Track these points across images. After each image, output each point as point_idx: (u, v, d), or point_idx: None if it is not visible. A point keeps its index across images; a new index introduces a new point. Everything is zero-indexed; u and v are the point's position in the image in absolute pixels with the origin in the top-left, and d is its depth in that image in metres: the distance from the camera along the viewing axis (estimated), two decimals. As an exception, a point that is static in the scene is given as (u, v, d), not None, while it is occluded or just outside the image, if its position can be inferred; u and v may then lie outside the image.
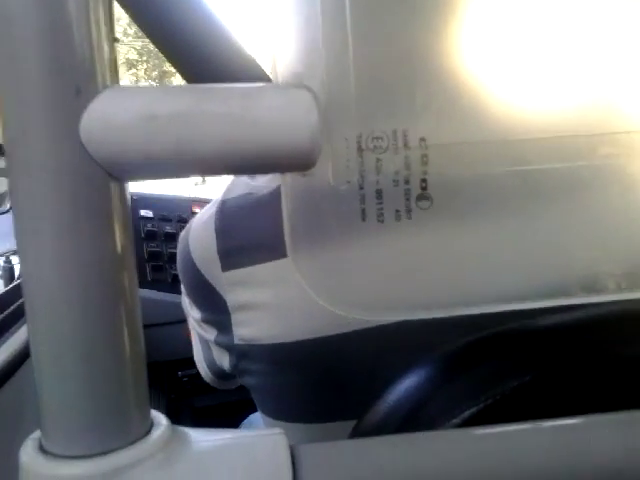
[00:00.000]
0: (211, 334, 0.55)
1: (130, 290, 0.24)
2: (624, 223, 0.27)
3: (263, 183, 0.49)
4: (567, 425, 0.26)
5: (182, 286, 0.59)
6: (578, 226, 0.26)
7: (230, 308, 0.50)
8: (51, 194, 0.22)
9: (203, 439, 0.25)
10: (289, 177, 0.25)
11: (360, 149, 0.24)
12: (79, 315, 0.23)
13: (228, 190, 0.54)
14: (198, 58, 0.66)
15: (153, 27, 0.67)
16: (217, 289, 0.51)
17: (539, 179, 0.25)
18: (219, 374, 0.61)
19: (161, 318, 1.12)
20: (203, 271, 0.52)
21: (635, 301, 0.35)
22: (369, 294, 0.25)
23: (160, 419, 0.25)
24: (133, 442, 0.23)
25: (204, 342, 0.60)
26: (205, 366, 0.62)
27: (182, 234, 0.58)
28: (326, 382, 0.45)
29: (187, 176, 0.23)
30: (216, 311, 0.52)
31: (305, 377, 0.47)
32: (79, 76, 0.22)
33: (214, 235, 0.51)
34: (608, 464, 0.26)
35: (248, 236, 0.49)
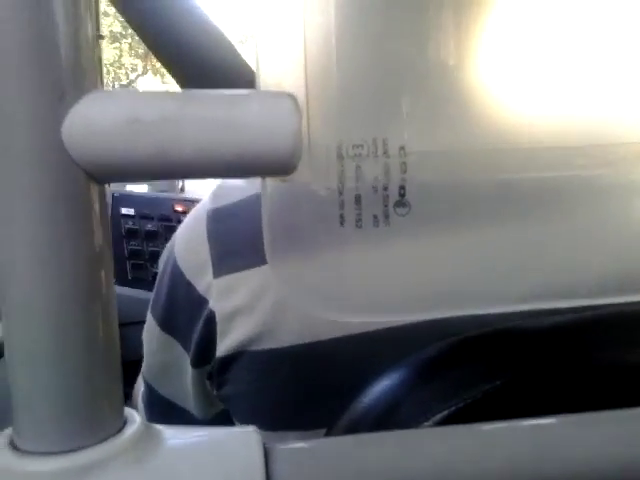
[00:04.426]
0: (175, 352, 0.56)
1: (106, 289, 0.25)
2: (602, 234, 0.28)
3: (254, 189, 0.49)
4: (540, 425, 0.27)
5: (152, 311, 0.59)
6: (559, 235, 0.27)
7: (218, 317, 0.50)
8: (31, 195, 0.22)
9: (176, 436, 0.25)
10: (269, 182, 0.25)
11: (340, 156, 0.25)
12: (54, 314, 0.23)
13: (217, 197, 0.53)
14: (191, 62, 0.66)
15: (145, 27, 0.67)
16: (207, 298, 0.50)
17: (518, 188, 0.26)
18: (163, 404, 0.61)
19: (141, 316, 1.11)
20: (192, 281, 0.51)
21: (610, 307, 0.36)
22: (346, 298, 0.26)
23: (133, 416, 0.25)
24: (105, 439, 0.23)
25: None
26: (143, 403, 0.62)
27: (164, 254, 0.57)
28: (315, 388, 0.46)
29: (167, 179, 0.23)
30: (196, 325, 0.52)
31: (294, 383, 0.47)
32: (63, 80, 0.22)
33: (206, 242, 0.50)
34: (578, 464, 0.27)
35: (240, 241, 0.49)
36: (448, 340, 0.35)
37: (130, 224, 1.20)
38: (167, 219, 1.21)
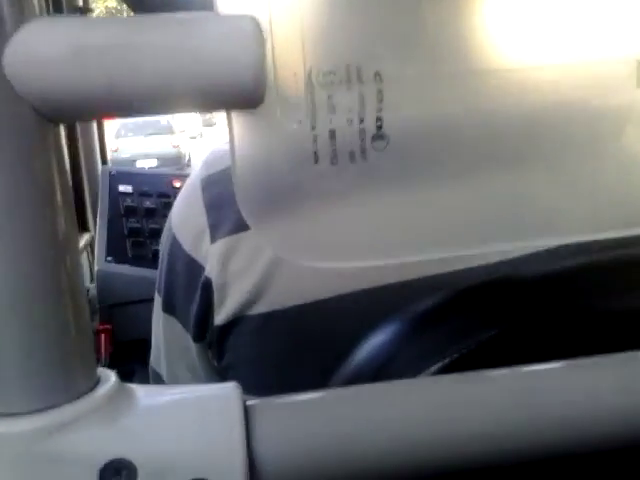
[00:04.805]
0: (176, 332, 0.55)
1: (70, 240, 0.23)
2: (596, 163, 0.26)
3: None
4: (540, 370, 0.25)
5: (157, 292, 0.58)
6: (543, 171, 0.25)
7: (214, 284, 0.48)
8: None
9: (153, 394, 0.24)
10: (236, 120, 0.23)
11: (310, 85, 0.23)
12: (16, 267, 0.22)
13: (209, 164, 0.52)
14: None
15: None
16: (204, 266, 0.49)
17: (504, 116, 0.23)
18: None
19: (143, 294, 1.11)
20: (191, 251, 0.50)
21: (606, 253, 0.34)
22: (322, 240, 0.24)
23: (109, 376, 0.24)
24: (76, 398, 0.22)
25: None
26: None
27: (164, 232, 0.56)
28: (316, 350, 0.44)
29: (124, 116, 0.22)
30: (194, 296, 0.51)
31: (294, 346, 0.45)
32: (2, 5, 0.20)
33: (204, 211, 0.49)
34: (580, 408, 0.25)
35: (234, 205, 0.47)
36: (442, 292, 0.33)
37: (129, 202, 1.19)
38: (166, 195, 1.19)
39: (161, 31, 0.21)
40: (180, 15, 0.21)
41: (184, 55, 0.21)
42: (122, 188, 1.20)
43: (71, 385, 0.22)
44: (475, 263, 0.38)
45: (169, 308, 0.57)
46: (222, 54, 0.21)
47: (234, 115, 0.23)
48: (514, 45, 0.24)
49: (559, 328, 0.30)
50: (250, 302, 0.45)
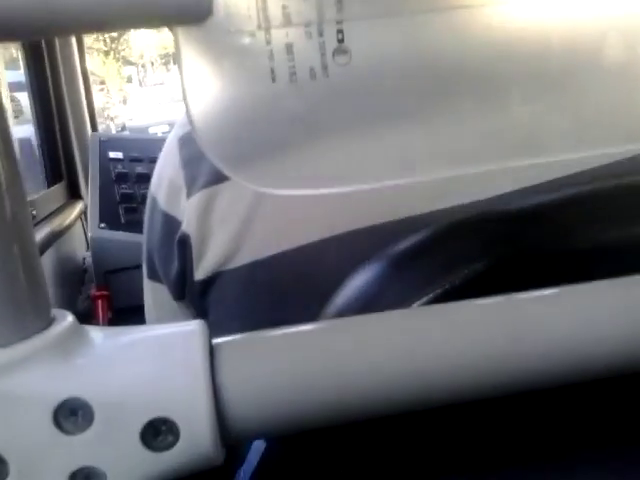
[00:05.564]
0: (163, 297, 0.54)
1: (12, 175, 0.21)
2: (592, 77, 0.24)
3: None
4: (528, 299, 0.24)
5: (144, 258, 0.57)
6: (521, 86, 0.23)
7: (192, 239, 0.47)
8: None
9: (114, 334, 0.23)
10: (183, 36, 0.21)
11: (262, -7, 0.21)
12: None
13: (186, 124, 0.50)
14: None
15: None
16: (181, 221, 0.48)
17: (470, 20, 0.22)
18: None
19: (138, 260, 1.10)
20: (169, 209, 0.50)
21: (592, 185, 0.32)
22: (282, 165, 0.22)
23: (65, 317, 0.23)
24: (28, 337, 0.21)
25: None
26: None
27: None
28: (299, 299, 0.43)
29: (57, 35, 0.20)
30: (173, 254, 0.50)
31: (277, 296, 0.44)
32: None
33: (180, 169, 0.48)
34: (570, 339, 0.24)
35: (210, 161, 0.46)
36: (426, 230, 0.32)
37: (120, 168, 1.17)
38: (156, 160, 1.17)
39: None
40: None
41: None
42: (112, 154, 1.19)
43: (22, 324, 0.21)
44: (466, 200, 0.36)
45: (152, 274, 0.56)
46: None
47: (182, 36, 0.21)
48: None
49: (548, 261, 0.29)
50: (230, 254, 0.44)
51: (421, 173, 0.23)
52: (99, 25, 0.21)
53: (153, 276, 0.56)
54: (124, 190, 1.14)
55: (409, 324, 0.23)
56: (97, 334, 0.22)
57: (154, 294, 0.57)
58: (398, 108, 0.23)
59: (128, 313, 1.13)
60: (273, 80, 0.22)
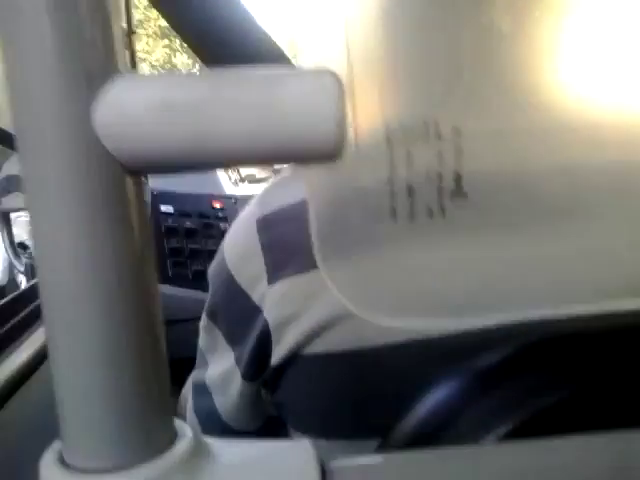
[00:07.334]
0: (228, 359, 0.55)
1: (151, 290, 0.23)
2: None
3: (302, 193, 0.48)
4: (618, 438, 0.24)
5: (204, 330, 0.58)
6: (629, 228, 0.24)
7: (271, 326, 0.48)
8: (65, 190, 0.21)
9: (229, 451, 0.23)
10: (314, 177, 0.23)
11: (389, 141, 0.23)
12: (98, 317, 0.22)
13: (265, 204, 0.52)
14: (215, 38, 0.64)
15: (167, 6, 0.65)
16: (261, 308, 0.49)
17: (586, 174, 0.23)
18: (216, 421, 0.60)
19: (182, 314, 1.12)
20: (248, 291, 0.51)
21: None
22: (401, 299, 0.23)
23: (184, 429, 0.23)
24: (157, 455, 0.22)
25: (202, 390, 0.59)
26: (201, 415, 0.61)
27: (213, 265, 0.56)
28: (368, 396, 0.43)
29: (205, 169, 0.22)
30: (251, 336, 0.51)
31: (346, 389, 0.45)
32: (89, 62, 0.20)
33: (260, 252, 0.49)
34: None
35: (292, 247, 0.47)
36: (506, 347, 0.32)
37: (169, 222, 1.20)
38: (205, 216, 1.20)
39: (244, 86, 0.21)
40: (261, 70, 0.22)
41: (267, 110, 0.21)
42: (163, 208, 1.22)
43: (152, 441, 0.22)
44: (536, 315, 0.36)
45: (232, 340, 0.56)
46: (304, 109, 0.21)
47: (313, 176, 0.23)
48: (595, 99, 0.24)
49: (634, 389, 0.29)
50: (305, 342, 0.45)
51: (529, 310, 0.24)
52: (240, 162, 0.22)
53: (231, 342, 0.57)
54: (173, 244, 1.17)
55: (501, 461, 0.23)
56: (216, 450, 0.23)
57: (224, 357, 0.58)
58: (507, 244, 0.24)
59: (171, 366, 1.14)
60: (393, 218, 0.23)
